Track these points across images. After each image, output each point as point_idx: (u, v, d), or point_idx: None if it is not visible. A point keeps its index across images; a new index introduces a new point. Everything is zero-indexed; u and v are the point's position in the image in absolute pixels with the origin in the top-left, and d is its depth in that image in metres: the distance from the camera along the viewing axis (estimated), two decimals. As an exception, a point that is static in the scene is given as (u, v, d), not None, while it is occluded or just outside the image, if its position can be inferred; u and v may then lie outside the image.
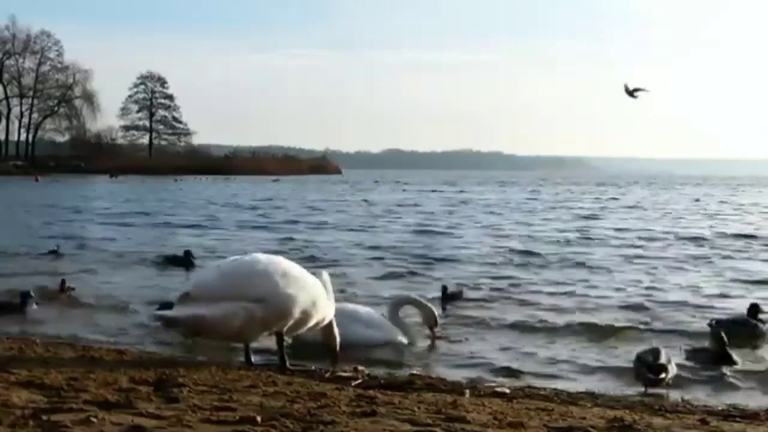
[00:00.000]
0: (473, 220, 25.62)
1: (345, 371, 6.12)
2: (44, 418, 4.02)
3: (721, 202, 42.13)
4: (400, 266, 13.52)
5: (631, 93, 13.60)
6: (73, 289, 10.06)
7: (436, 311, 7.92)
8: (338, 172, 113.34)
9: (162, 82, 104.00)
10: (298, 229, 21.82)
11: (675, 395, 5.98)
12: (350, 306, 7.77)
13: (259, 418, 4.16)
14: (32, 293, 9.05)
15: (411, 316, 8.01)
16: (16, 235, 18.30)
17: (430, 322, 7.75)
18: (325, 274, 6.44)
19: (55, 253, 14.13)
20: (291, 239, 18.37)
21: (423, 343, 7.63)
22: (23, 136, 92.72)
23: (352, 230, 21.45)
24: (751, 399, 5.99)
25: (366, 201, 38.69)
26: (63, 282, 10.08)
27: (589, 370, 6.78)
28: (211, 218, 25.29)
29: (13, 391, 4.66)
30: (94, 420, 4.03)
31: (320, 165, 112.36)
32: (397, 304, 7.87)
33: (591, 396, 5.77)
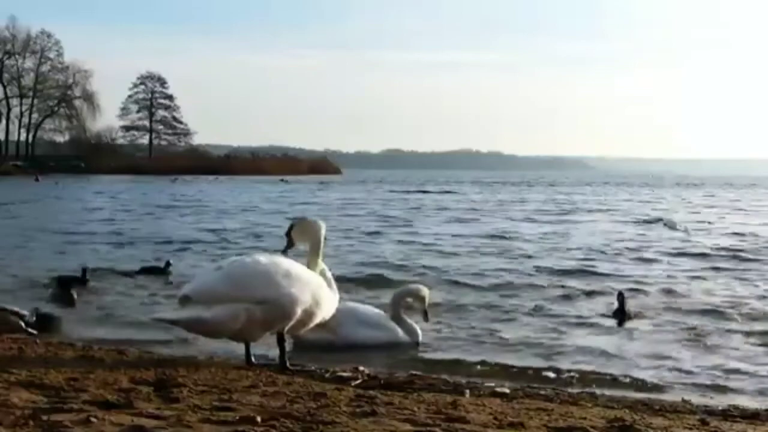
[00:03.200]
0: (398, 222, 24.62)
1: (345, 371, 6.12)
2: (44, 418, 4.02)
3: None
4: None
5: None
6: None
7: (427, 291, 7.76)
8: (338, 172, 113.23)
9: (162, 82, 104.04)
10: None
11: (675, 395, 5.98)
12: (353, 305, 7.74)
13: (259, 418, 4.16)
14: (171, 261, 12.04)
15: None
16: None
17: (422, 304, 7.65)
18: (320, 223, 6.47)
19: (166, 269, 11.83)
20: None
21: (425, 340, 7.57)
22: (23, 136, 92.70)
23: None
24: (751, 399, 5.99)
25: None
26: None
27: (588, 371, 6.78)
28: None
29: (13, 391, 4.66)
30: (94, 420, 4.03)
31: (320, 165, 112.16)
32: (398, 300, 7.70)
33: (591, 396, 5.77)
